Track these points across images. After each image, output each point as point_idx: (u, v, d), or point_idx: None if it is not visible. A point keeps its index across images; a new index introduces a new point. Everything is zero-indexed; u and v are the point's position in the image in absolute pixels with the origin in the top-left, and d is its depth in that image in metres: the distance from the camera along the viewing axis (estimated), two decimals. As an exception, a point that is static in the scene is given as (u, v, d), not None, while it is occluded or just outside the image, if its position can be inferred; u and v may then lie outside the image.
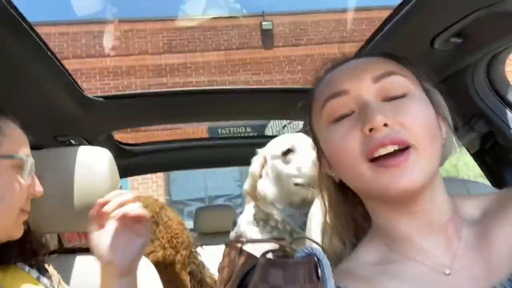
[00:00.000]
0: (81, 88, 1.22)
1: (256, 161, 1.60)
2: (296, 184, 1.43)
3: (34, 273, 0.79)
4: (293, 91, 1.52)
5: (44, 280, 0.79)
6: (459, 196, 0.63)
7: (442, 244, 0.56)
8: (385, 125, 0.52)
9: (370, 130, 0.52)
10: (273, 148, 1.53)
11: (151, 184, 7.50)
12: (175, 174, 8.04)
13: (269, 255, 0.53)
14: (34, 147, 1.22)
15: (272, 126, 6.90)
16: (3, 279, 0.73)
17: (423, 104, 0.56)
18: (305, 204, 1.44)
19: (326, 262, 0.51)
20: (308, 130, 0.68)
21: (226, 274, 0.69)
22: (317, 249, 0.53)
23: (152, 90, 1.42)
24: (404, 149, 0.52)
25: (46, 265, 0.83)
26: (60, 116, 1.22)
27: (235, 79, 7.87)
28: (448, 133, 0.62)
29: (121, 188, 1.13)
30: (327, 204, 0.68)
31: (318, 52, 8.28)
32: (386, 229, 0.60)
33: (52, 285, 0.79)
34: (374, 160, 0.53)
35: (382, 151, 0.52)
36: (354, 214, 0.67)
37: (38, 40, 0.91)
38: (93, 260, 1.00)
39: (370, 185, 0.55)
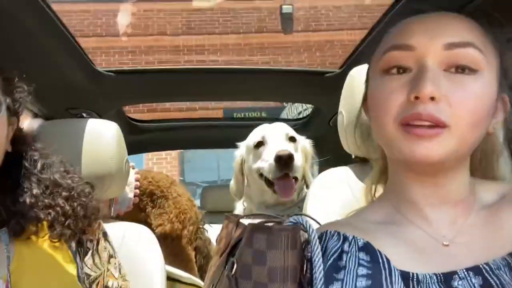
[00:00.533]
0: (92, 63, 1.24)
1: (237, 156, 1.58)
2: (261, 175, 1.40)
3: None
4: (311, 73, 1.50)
5: (73, 244, 0.78)
6: (481, 181, 0.62)
7: (448, 219, 0.57)
8: (432, 98, 0.51)
9: (416, 98, 0.51)
10: (248, 140, 1.50)
11: (165, 165, 7.61)
12: (189, 156, 8.13)
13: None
14: (47, 117, 1.27)
15: (288, 112, 6.87)
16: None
17: (487, 88, 0.54)
18: (279, 205, 1.42)
19: (313, 232, 0.52)
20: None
21: (223, 245, 0.70)
22: (305, 219, 0.53)
23: (162, 67, 1.42)
24: (438, 126, 0.51)
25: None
26: (72, 89, 1.24)
27: (252, 59, 7.81)
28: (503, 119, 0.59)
29: (127, 161, 1.15)
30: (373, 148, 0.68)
31: (338, 39, 8.12)
32: (397, 191, 0.60)
33: (83, 249, 0.79)
34: (405, 124, 0.53)
35: (417, 122, 0.52)
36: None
37: (52, 15, 0.93)
38: (113, 226, 1.04)
39: (392, 145, 0.55)
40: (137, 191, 1.68)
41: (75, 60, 1.14)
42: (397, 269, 0.52)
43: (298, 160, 1.37)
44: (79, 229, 0.77)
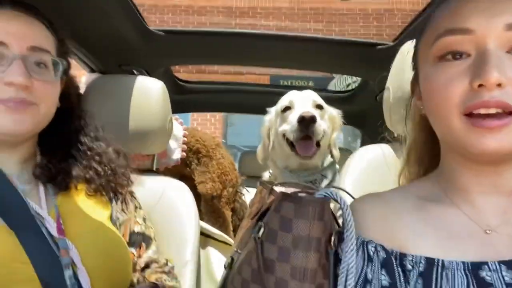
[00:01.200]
0: (144, 21, 1.27)
1: (266, 121, 1.61)
2: (285, 138, 1.44)
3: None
4: (362, 45, 1.44)
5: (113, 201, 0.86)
6: None
7: (497, 208, 0.54)
8: (499, 85, 0.48)
9: (480, 85, 0.48)
10: (277, 105, 1.53)
11: (209, 126, 7.78)
12: (233, 119, 8.22)
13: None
14: (102, 72, 1.33)
15: (336, 83, 6.68)
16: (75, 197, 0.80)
17: None
18: (303, 170, 1.46)
19: (346, 206, 0.52)
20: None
21: (255, 209, 0.72)
22: (339, 194, 0.53)
23: (212, 28, 1.42)
24: (507, 112, 0.48)
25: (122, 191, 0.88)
26: (124, 46, 1.29)
27: (304, 25, 7.58)
28: None
29: (171, 120, 1.20)
30: (417, 128, 0.66)
31: (399, 7, 7.63)
32: (449, 175, 0.58)
33: (116, 196, 0.86)
34: (470, 115, 0.50)
35: (483, 111, 0.49)
36: (434, 150, 0.65)
37: None
38: (156, 180, 1.11)
39: (456, 138, 0.52)
40: (185, 146, 1.76)
41: (128, 18, 1.17)
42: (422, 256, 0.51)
43: (321, 125, 1.40)
44: (111, 188, 0.85)
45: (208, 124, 7.83)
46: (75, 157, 0.83)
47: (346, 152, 1.97)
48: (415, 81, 0.62)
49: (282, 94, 2.00)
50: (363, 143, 2.09)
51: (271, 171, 1.67)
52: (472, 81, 0.49)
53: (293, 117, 1.39)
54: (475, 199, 0.55)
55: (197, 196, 1.81)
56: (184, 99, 1.93)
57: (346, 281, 0.49)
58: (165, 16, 7.76)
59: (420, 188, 0.61)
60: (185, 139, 1.78)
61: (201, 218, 1.81)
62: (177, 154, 1.76)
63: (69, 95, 0.88)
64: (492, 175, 0.54)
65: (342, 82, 6.27)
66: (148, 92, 1.12)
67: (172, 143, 1.72)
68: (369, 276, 0.53)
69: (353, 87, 2.03)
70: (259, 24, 7.41)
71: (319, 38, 1.49)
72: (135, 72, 1.47)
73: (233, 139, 8.30)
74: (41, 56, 0.74)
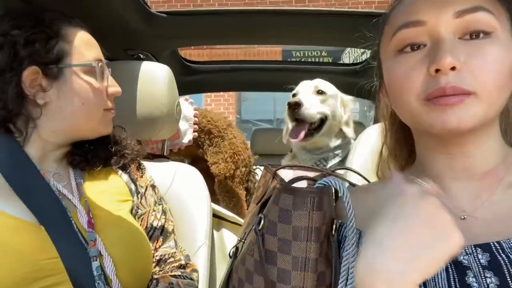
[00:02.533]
0: (145, 3, 1.25)
1: (287, 106, 1.75)
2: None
3: (125, 176, 0.91)
4: (372, 16, 1.38)
5: (132, 185, 0.91)
6: None
7: (471, 193, 0.56)
8: (453, 68, 0.49)
9: (436, 71, 0.50)
10: (292, 93, 1.71)
11: (223, 102, 7.76)
12: (246, 94, 8.18)
13: (288, 182, 0.55)
14: (109, 58, 1.33)
15: (350, 52, 6.51)
16: (95, 177, 0.86)
17: (504, 49, 0.51)
18: (316, 149, 1.63)
19: (346, 193, 0.52)
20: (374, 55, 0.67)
21: (260, 193, 0.73)
22: (338, 182, 0.53)
23: (215, 8, 1.38)
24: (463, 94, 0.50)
25: (137, 173, 0.94)
26: (128, 30, 1.27)
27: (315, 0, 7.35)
28: None
29: (178, 104, 1.19)
30: (386, 126, 0.71)
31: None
32: (423, 164, 0.61)
33: (137, 190, 0.90)
34: (429, 100, 0.52)
35: (441, 99, 0.51)
36: (408, 143, 0.68)
37: None
38: (166, 165, 1.12)
39: (419, 121, 0.54)
40: (196, 126, 1.78)
41: (129, 1, 1.15)
42: None
43: (313, 109, 1.57)
44: (127, 162, 0.91)
45: (222, 100, 7.82)
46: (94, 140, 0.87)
47: (360, 126, 1.94)
48: (380, 78, 0.65)
49: (294, 70, 1.98)
50: (376, 115, 2.05)
51: (293, 150, 1.79)
52: (429, 67, 0.51)
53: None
54: (449, 186, 0.57)
55: (210, 177, 1.83)
56: (193, 80, 1.92)
57: (348, 269, 0.50)
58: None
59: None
60: (196, 119, 1.79)
61: (216, 199, 1.85)
62: (188, 135, 1.77)
63: None
64: (463, 158, 0.56)
65: (356, 50, 6.11)
66: (154, 77, 1.11)
67: (183, 124, 1.73)
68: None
69: (368, 54, 1.98)
70: (267, 1, 7.21)
71: (329, 12, 1.43)
72: (141, 56, 1.46)
73: (247, 114, 8.30)
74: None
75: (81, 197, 0.78)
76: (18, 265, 0.64)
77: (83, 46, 0.80)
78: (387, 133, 0.71)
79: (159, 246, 0.88)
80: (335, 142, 1.64)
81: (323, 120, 1.61)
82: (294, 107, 1.54)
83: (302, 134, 1.56)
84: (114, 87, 0.85)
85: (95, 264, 0.70)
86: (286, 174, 0.78)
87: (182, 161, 1.72)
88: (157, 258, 0.86)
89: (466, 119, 0.50)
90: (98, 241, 0.72)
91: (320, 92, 1.63)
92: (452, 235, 0.43)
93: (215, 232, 1.21)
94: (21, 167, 0.75)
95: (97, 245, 0.72)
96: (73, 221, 0.72)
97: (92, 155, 0.85)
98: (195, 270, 0.90)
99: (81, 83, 0.78)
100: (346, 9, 1.44)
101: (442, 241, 0.42)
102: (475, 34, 0.51)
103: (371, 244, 0.43)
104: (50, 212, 0.71)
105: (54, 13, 0.81)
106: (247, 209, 1.89)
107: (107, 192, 0.84)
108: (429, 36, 0.53)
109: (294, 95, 1.66)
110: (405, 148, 0.69)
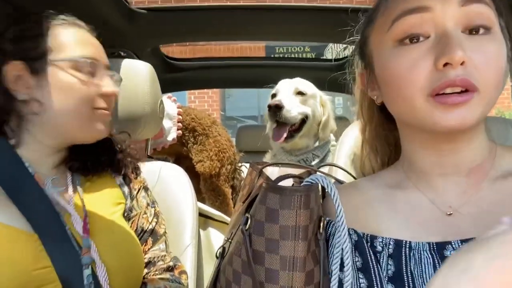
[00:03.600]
0: (126, 0, 1.22)
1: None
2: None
3: (119, 178, 0.89)
4: (357, 11, 1.38)
5: (125, 188, 0.89)
6: (505, 147, 0.60)
7: (458, 189, 0.56)
8: (462, 63, 0.48)
9: (445, 65, 0.49)
10: (271, 93, 1.70)
11: (207, 99, 7.71)
12: (230, 91, 8.15)
13: (274, 180, 0.54)
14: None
15: (332, 47, 6.56)
16: (92, 180, 0.84)
17: (501, 46, 0.52)
18: (296, 150, 1.62)
19: (333, 191, 0.52)
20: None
21: (246, 192, 0.72)
22: (325, 179, 0.53)
23: (199, 4, 1.36)
24: (470, 90, 0.49)
25: (132, 175, 0.93)
26: (106, 28, 1.24)
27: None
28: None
29: (161, 102, 1.17)
30: (366, 122, 0.69)
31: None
32: (410, 160, 0.60)
33: (130, 193, 0.89)
34: (435, 95, 0.50)
35: (448, 90, 0.49)
36: (390, 138, 0.68)
37: None
38: (150, 164, 1.10)
39: (420, 119, 0.53)
40: (180, 124, 1.75)
41: None
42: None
43: (294, 111, 1.56)
44: (124, 166, 0.90)
45: (206, 97, 7.77)
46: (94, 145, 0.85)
47: (344, 121, 1.95)
48: (365, 70, 0.63)
49: (278, 66, 1.97)
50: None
51: (273, 150, 1.77)
52: (436, 60, 0.49)
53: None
54: (436, 182, 0.57)
55: (196, 175, 1.82)
56: (176, 77, 1.89)
57: (343, 260, 0.50)
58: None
59: (388, 176, 0.63)
60: (180, 117, 1.77)
61: (202, 198, 1.83)
62: (172, 133, 1.75)
63: None
64: (451, 154, 0.55)
65: (338, 45, 6.14)
66: (136, 75, 1.09)
67: (167, 122, 1.70)
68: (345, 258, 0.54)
69: (350, 49, 1.98)
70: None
71: (311, 7, 1.43)
72: (122, 54, 1.43)
73: (232, 111, 8.27)
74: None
75: (77, 202, 0.76)
76: (10, 276, 0.63)
77: (73, 43, 0.78)
78: (365, 129, 0.70)
79: (149, 249, 0.86)
80: (315, 143, 1.64)
81: (303, 121, 1.60)
82: (275, 110, 1.53)
83: (284, 136, 1.55)
84: (108, 87, 0.81)
85: (86, 272, 0.68)
86: (272, 172, 0.77)
87: (166, 159, 1.70)
88: (146, 260, 0.84)
89: (469, 118, 0.49)
90: (93, 247, 0.71)
91: (300, 93, 1.62)
92: None
93: (201, 231, 1.19)
94: (13, 171, 0.73)
95: (91, 252, 0.70)
96: (67, 227, 0.71)
97: (92, 161, 0.83)
98: (184, 272, 0.89)
99: (65, 78, 0.75)
100: (328, 5, 1.44)
101: None
102: (475, 30, 0.50)
103: (460, 271, 0.36)
104: (43, 219, 0.69)
105: (44, 10, 0.80)
106: (234, 207, 1.89)
107: (103, 195, 0.83)
108: (434, 26, 0.51)
109: (273, 95, 1.64)
110: (390, 141, 0.69)
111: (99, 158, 0.85)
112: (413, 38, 0.52)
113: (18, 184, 0.71)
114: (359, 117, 0.71)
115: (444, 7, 0.50)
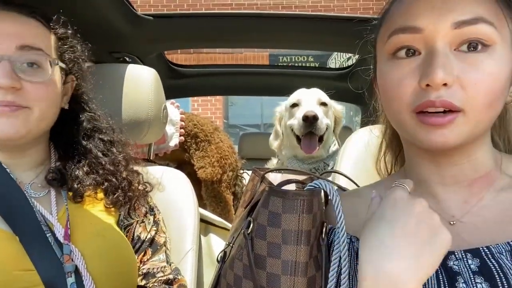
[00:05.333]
0: (132, 6, 1.24)
1: (276, 112, 1.79)
2: (292, 131, 1.63)
3: None
4: (360, 21, 1.39)
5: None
6: (511, 157, 0.60)
7: (459, 199, 0.56)
8: (444, 84, 0.49)
9: (427, 85, 0.50)
10: (287, 101, 1.72)
11: (210, 107, 7.73)
12: (234, 99, 8.17)
13: (277, 185, 0.54)
14: (94, 62, 1.31)
15: (336, 57, 6.58)
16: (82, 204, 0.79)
17: (501, 62, 0.50)
18: (309, 159, 1.63)
19: (335, 197, 0.51)
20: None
21: (248, 197, 0.72)
22: (328, 185, 0.53)
23: (204, 11, 1.37)
24: (453, 110, 0.50)
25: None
26: (112, 33, 1.25)
27: (302, 2, 7.40)
28: None
29: (165, 108, 1.18)
30: (387, 124, 0.71)
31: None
32: (412, 168, 0.61)
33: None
34: (419, 113, 0.52)
35: (431, 110, 0.50)
36: (396, 144, 0.69)
37: None
38: (152, 169, 1.10)
39: (408, 133, 0.54)
40: (182, 130, 1.76)
41: (115, 4, 1.13)
42: None
43: (323, 122, 1.58)
44: (128, 199, 0.83)
45: (209, 104, 7.79)
46: (90, 165, 0.81)
47: (347, 130, 1.95)
48: (374, 73, 0.64)
49: (281, 74, 1.99)
50: (363, 120, 2.07)
51: (279, 156, 1.79)
52: (420, 80, 0.50)
53: (299, 114, 1.56)
54: (437, 191, 0.57)
55: (197, 181, 1.81)
56: (179, 84, 1.90)
57: (340, 268, 0.50)
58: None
59: (391, 184, 0.63)
60: (183, 123, 1.77)
61: (203, 204, 1.83)
62: (175, 139, 1.75)
63: (80, 97, 0.85)
64: (450, 167, 0.56)
65: (342, 55, 6.16)
66: (140, 80, 1.10)
67: (170, 128, 1.71)
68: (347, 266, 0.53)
69: (353, 60, 1.99)
70: (258, 3, 7.23)
71: (314, 16, 1.44)
72: (127, 59, 1.44)
73: (235, 119, 8.28)
74: (31, 56, 0.70)
75: (60, 208, 0.74)
76: None
77: None
78: (386, 127, 0.71)
79: (147, 260, 0.84)
80: (327, 152, 1.66)
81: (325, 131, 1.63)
82: (312, 121, 1.53)
83: (317, 148, 1.56)
84: None
85: (69, 281, 0.66)
86: (275, 178, 0.77)
87: (168, 165, 1.70)
88: (144, 271, 0.82)
89: (451, 138, 0.50)
90: (76, 253, 0.68)
91: (323, 104, 1.64)
92: (443, 230, 0.44)
93: (202, 237, 1.19)
94: None
95: (74, 259, 0.68)
96: (49, 234, 0.69)
97: (76, 183, 0.78)
98: (183, 286, 0.86)
99: None
100: (333, 14, 1.45)
101: (438, 236, 0.44)
102: (472, 46, 0.50)
103: (373, 249, 0.44)
104: (23, 223, 0.68)
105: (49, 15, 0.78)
106: (235, 213, 1.88)
107: (93, 201, 0.80)
108: (424, 44, 0.52)
109: (294, 105, 1.64)
110: (399, 145, 0.69)
111: (84, 184, 0.78)
112: (408, 51, 0.53)
113: None
114: (381, 118, 0.73)
115: (435, 28, 0.50)
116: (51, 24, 0.77)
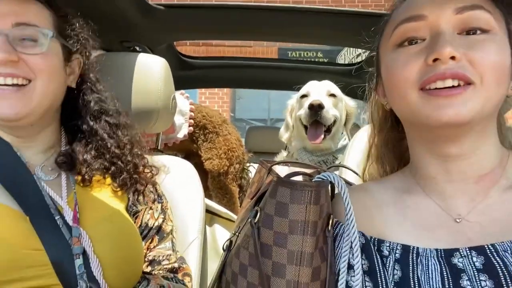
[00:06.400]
0: (143, -5, 1.24)
1: (288, 105, 1.80)
2: (301, 122, 1.64)
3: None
4: (370, 16, 1.38)
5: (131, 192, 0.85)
6: None
7: (466, 196, 0.55)
8: (452, 58, 0.49)
9: (434, 60, 0.50)
10: (299, 93, 1.73)
11: (217, 100, 7.73)
12: (241, 93, 8.16)
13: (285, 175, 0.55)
14: (105, 50, 1.32)
15: (345, 53, 6.53)
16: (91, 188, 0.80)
17: (501, 47, 0.52)
18: (317, 151, 1.64)
19: (344, 188, 0.52)
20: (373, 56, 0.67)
21: (254, 189, 0.72)
22: (336, 177, 0.53)
23: (214, 2, 1.37)
24: (462, 85, 0.50)
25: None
26: (123, 22, 1.26)
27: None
28: None
29: (174, 98, 1.18)
30: (376, 129, 0.70)
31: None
32: (418, 166, 0.60)
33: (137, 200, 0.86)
34: (426, 89, 0.52)
35: (440, 84, 0.50)
36: (398, 148, 0.68)
37: None
38: (160, 159, 1.10)
39: (415, 114, 0.54)
40: (192, 121, 1.76)
41: None
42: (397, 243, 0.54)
43: (330, 112, 1.59)
44: (135, 181, 0.85)
45: (216, 98, 7.79)
46: (97, 148, 0.82)
47: (355, 127, 1.95)
48: (376, 78, 0.65)
49: (291, 69, 1.98)
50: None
51: (289, 149, 1.79)
52: (427, 57, 0.51)
53: (307, 104, 1.58)
54: (444, 188, 0.57)
55: (204, 172, 1.82)
56: (188, 75, 1.91)
57: (353, 253, 0.50)
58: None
59: (398, 180, 0.64)
60: (192, 114, 1.78)
61: (209, 195, 1.84)
62: (184, 129, 1.76)
63: (88, 78, 0.86)
64: (457, 161, 0.55)
65: (352, 52, 6.12)
66: (150, 70, 1.10)
67: (179, 118, 1.72)
68: (352, 261, 0.54)
69: (363, 57, 1.98)
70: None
71: (324, 10, 1.43)
72: (137, 48, 1.44)
73: (241, 113, 8.28)
74: (27, 31, 0.71)
75: (70, 191, 0.76)
76: (0, 252, 0.63)
77: None
78: (375, 135, 0.71)
79: (154, 247, 0.85)
80: (336, 145, 1.66)
81: (333, 123, 1.64)
82: (317, 109, 1.54)
83: (322, 136, 1.57)
84: None
85: (77, 262, 0.67)
86: (281, 170, 0.77)
87: (176, 156, 1.71)
88: (150, 258, 0.83)
89: (464, 112, 0.49)
90: (84, 236, 0.70)
91: (332, 95, 1.65)
92: None
93: (207, 227, 1.20)
94: (2, 156, 0.73)
95: (82, 242, 0.69)
96: (58, 217, 0.70)
97: (85, 166, 0.79)
98: (187, 274, 0.87)
99: None
100: (344, 9, 1.44)
101: None
102: (472, 31, 0.52)
103: None
104: (33, 204, 0.69)
105: (63, 5, 0.79)
106: (240, 206, 1.89)
107: (101, 186, 0.81)
108: (429, 30, 0.53)
109: (304, 96, 1.66)
110: (397, 150, 0.69)
111: (95, 164, 0.80)
112: (412, 41, 0.54)
113: (8, 168, 0.72)
114: (370, 121, 0.72)
115: (438, 14, 0.53)
116: (49, 2, 0.78)
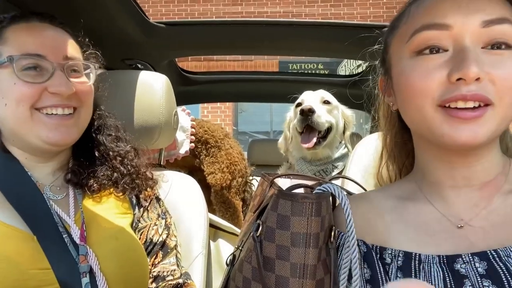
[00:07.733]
0: (145, 14, 1.26)
1: (287, 117, 1.80)
2: (296, 129, 1.64)
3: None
4: (370, 28, 1.40)
5: (133, 198, 0.88)
6: None
7: (469, 201, 0.56)
8: (477, 79, 0.49)
9: (458, 79, 0.49)
10: (295, 103, 1.74)
11: (220, 114, 7.77)
12: (243, 106, 8.21)
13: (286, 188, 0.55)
14: (106, 68, 1.34)
15: (346, 65, 6.57)
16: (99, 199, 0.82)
17: None
18: (316, 160, 1.65)
19: (345, 200, 0.52)
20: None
21: (257, 202, 0.72)
22: (337, 188, 0.53)
23: (214, 19, 1.39)
24: (482, 106, 0.49)
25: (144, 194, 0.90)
26: (126, 40, 1.28)
27: (312, 11, 7.44)
28: None
29: (176, 113, 1.19)
30: (387, 132, 0.70)
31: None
32: (423, 170, 0.60)
33: (138, 203, 0.88)
34: (445, 107, 0.51)
35: (460, 104, 0.50)
36: (407, 147, 0.68)
37: None
38: (163, 174, 1.11)
39: (430, 129, 0.53)
40: (193, 137, 1.77)
41: (128, 12, 1.16)
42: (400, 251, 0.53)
43: (322, 117, 1.60)
44: (136, 186, 0.87)
45: (219, 111, 7.83)
46: (100, 159, 0.85)
47: (357, 137, 1.96)
48: (384, 77, 0.63)
49: (292, 81, 2.00)
50: (372, 127, 2.07)
51: (289, 160, 1.79)
52: (450, 74, 0.49)
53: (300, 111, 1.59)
54: (447, 194, 0.57)
55: (207, 187, 1.82)
56: (190, 90, 1.93)
57: (351, 270, 0.50)
58: (171, 4, 7.71)
59: (399, 188, 0.63)
60: (193, 130, 1.79)
61: (212, 209, 1.84)
62: (185, 145, 1.77)
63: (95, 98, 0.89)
64: (464, 168, 0.55)
65: (352, 63, 6.16)
66: (152, 86, 1.12)
67: (180, 135, 1.73)
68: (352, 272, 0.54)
69: (363, 67, 2.00)
70: (268, 11, 7.28)
71: (324, 23, 1.45)
72: (139, 66, 1.46)
73: (244, 126, 8.31)
74: (75, 63, 0.77)
75: (77, 210, 0.77)
76: (7, 272, 0.63)
77: (16, 43, 0.72)
78: (387, 135, 0.70)
79: (158, 262, 0.85)
80: (335, 154, 1.66)
81: (328, 130, 1.64)
82: (308, 114, 1.57)
83: (314, 140, 1.59)
84: (55, 87, 0.72)
85: (84, 281, 0.68)
86: (284, 183, 0.78)
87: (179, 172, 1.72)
88: (155, 274, 0.83)
89: (481, 134, 0.49)
90: (91, 255, 0.70)
91: (326, 102, 1.67)
92: None
93: (211, 242, 1.20)
94: (11, 172, 0.75)
95: (89, 260, 0.70)
96: (65, 235, 0.71)
97: (91, 177, 0.81)
98: None
99: (5, 80, 0.71)
100: (343, 21, 1.46)
101: None
102: (497, 46, 0.50)
103: None
104: (41, 223, 0.70)
105: (66, 24, 0.81)
106: (244, 219, 1.88)
107: (107, 204, 0.82)
108: (452, 41, 0.51)
109: (299, 104, 1.67)
110: (404, 152, 0.69)
111: (98, 174, 0.82)
112: (433, 49, 0.52)
113: (16, 186, 0.73)
114: (381, 125, 0.71)
115: (464, 26, 0.50)
116: (76, 35, 0.83)
